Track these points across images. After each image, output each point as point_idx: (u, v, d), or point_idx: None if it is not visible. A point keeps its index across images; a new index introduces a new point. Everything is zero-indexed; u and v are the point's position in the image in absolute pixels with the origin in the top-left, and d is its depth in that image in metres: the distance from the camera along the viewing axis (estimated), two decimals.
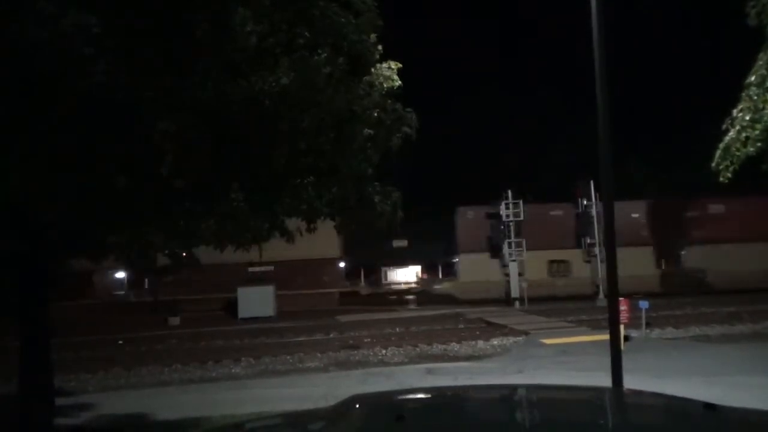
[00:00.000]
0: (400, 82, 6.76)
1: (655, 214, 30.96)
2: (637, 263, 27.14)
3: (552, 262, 30.74)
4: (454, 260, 35.09)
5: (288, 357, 15.41)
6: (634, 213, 30.26)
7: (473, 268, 30.65)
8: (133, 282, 33.90)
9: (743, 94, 7.72)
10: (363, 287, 54.12)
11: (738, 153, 7.60)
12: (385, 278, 68.42)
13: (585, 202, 28.97)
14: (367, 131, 6.51)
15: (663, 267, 32.02)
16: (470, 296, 28.99)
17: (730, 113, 7.79)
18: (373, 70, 6.67)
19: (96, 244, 6.22)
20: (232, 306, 26.79)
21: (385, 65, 6.76)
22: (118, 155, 4.97)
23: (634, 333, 15.37)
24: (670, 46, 52.77)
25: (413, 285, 58.88)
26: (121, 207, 5.35)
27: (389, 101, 6.76)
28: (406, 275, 68.73)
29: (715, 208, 30.62)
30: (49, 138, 4.71)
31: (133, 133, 4.88)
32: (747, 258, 28.81)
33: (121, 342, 19.18)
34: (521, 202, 28.58)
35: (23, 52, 4.15)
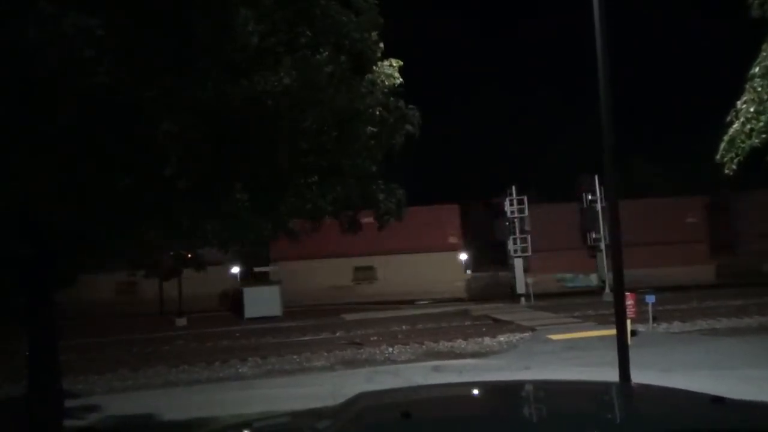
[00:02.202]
0: (401, 79, 6.76)
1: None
2: None
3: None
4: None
5: (294, 356, 15.42)
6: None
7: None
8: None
9: (747, 85, 7.68)
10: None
11: (743, 145, 7.56)
12: None
13: (590, 198, 28.90)
14: (370, 129, 6.50)
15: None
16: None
17: (734, 105, 7.75)
18: (374, 68, 6.67)
19: (101, 245, 6.25)
20: (237, 305, 26.85)
21: (386, 63, 6.76)
22: (121, 156, 4.98)
23: (641, 327, 15.32)
24: (672, 39, 52.58)
25: None
26: (124, 208, 5.37)
27: (391, 99, 6.75)
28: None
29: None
30: (51, 140, 4.72)
31: (136, 133, 4.89)
32: None
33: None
34: (525, 198, 28.51)
35: (24, 54, 4.16)
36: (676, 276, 28.12)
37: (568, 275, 30.42)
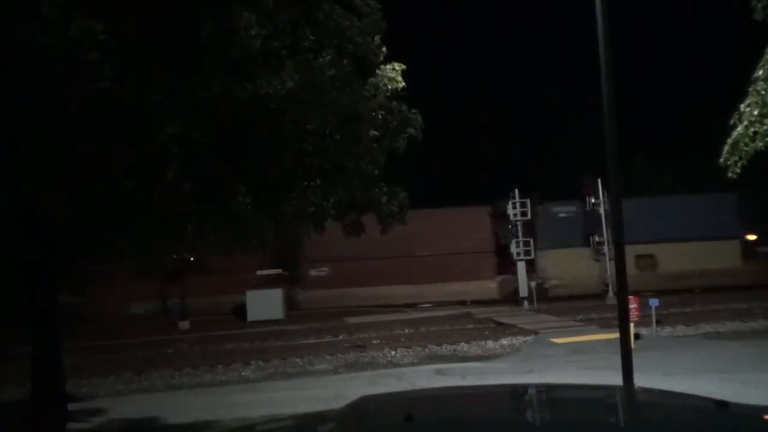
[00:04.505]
0: (404, 83, 6.77)
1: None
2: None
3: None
4: None
5: (297, 359, 15.42)
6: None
7: None
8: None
9: (751, 88, 7.65)
10: None
11: (746, 148, 7.53)
12: None
13: (593, 200, 28.85)
14: (373, 133, 6.52)
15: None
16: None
17: (737, 108, 7.73)
18: (377, 71, 6.69)
19: (105, 247, 6.27)
20: (240, 309, 26.88)
21: (389, 67, 6.78)
22: (125, 158, 5.00)
23: (644, 331, 15.28)
24: (675, 42, 52.51)
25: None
26: (129, 210, 5.39)
27: (394, 103, 6.77)
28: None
29: None
30: (56, 142, 4.75)
31: (140, 136, 4.91)
32: None
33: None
34: (528, 200, 28.48)
35: (30, 58, 4.18)
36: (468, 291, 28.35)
37: None
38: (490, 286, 30.13)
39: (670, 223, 28.94)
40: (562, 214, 30.40)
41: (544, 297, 28.16)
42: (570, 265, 29.01)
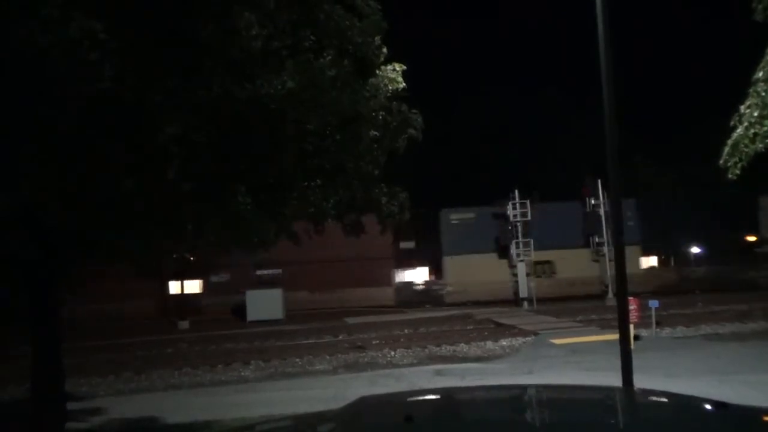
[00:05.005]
0: (404, 84, 6.77)
1: None
2: None
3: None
4: None
5: (297, 359, 15.42)
6: None
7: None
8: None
9: (751, 90, 7.65)
10: None
11: (746, 150, 7.53)
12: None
13: (593, 201, 28.85)
14: (373, 133, 6.52)
15: None
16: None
17: (737, 109, 7.73)
18: (377, 72, 6.69)
19: (105, 247, 6.27)
20: (240, 309, 26.89)
21: (389, 67, 6.78)
22: (125, 158, 5.00)
23: (644, 332, 15.27)
24: (675, 42, 52.53)
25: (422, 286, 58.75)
26: (129, 210, 5.39)
27: (394, 103, 6.77)
28: (415, 276, 68.42)
29: None
30: (57, 142, 4.75)
31: (140, 136, 4.91)
32: None
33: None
34: (528, 201, 28.48)
35: (30, 58, 4.18)
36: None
37: None
38: (387, 293, 30.32)
39: (570, 229, 28.86)
40: (455, 221, 30.44)
41: (442, 303, 28.32)
42: (470, 272, 28.99)
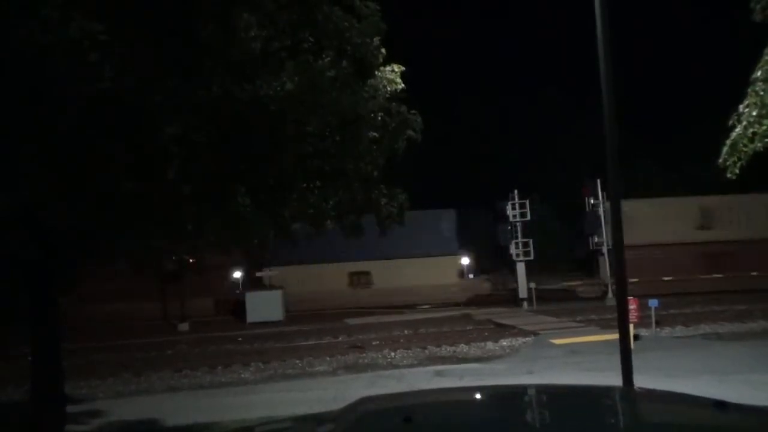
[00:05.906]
0: (403, 85, 6.77)
1: None
2: None
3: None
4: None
5: (297, 361, 15.40)
6: None
7: None
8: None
9: (749, 89, 7.66)
10: None
11: (745, 149, 7.54)
12: None
13: (593, 201, 28.84)
14: (373, 134, 6.52)
15: None
16: None
17: (736, 109, 7.74)
18: (376, 73, 6.69)
19: (105, 248, 6.27)
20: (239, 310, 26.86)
21: (388, 68, 6.78)
22: (126, 158, 5.01)
23: (644, 332, 15.28)
24: (675, 42, 52.59)
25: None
26: (129, 211, 5.39)
27: (394, 104, 6.77)
28: None
29: None
30: (57, 143, 4.75)
31: (140, 136, 4.92)
32: None
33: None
34: (527, 202, 28.46)
35: (30, 58, 4.19)
36: None
37: None
38: None
39: (387, 240, 28.45)
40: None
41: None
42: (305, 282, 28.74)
